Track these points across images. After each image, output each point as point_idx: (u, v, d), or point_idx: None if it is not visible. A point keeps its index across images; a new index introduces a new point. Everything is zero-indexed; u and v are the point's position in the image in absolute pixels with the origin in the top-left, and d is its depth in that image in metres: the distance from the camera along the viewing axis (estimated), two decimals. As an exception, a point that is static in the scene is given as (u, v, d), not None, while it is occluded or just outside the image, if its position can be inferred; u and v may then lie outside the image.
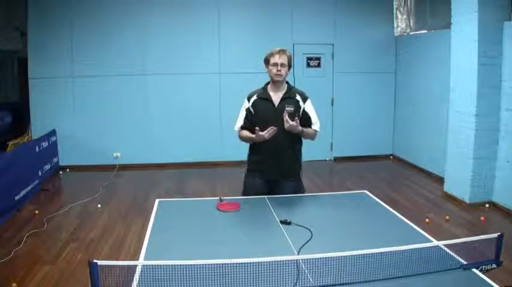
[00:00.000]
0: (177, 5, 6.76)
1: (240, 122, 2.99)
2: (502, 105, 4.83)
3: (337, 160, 7.42)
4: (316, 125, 2.98)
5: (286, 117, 2.77)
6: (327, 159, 7.45)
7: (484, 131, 4.87)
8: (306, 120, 2.94)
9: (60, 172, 6.61)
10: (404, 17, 7.18)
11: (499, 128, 4.87)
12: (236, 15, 6.94)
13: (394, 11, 7.35)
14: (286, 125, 2.78)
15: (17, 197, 4.84)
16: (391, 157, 7.55)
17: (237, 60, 6.87)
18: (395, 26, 7.37)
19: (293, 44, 7.05)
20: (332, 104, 7.30)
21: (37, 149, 5.76)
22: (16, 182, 4.87)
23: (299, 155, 3.08)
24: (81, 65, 6.67)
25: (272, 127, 2.75)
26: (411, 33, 7.00)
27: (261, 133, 2.77)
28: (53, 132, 6.50)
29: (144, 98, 6.90)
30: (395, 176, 6.61)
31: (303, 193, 3.10)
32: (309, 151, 7.21)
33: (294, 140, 2.99)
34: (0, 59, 7.49)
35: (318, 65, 7.25)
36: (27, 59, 6.63)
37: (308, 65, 7.21)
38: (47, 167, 6.13)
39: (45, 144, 6.08)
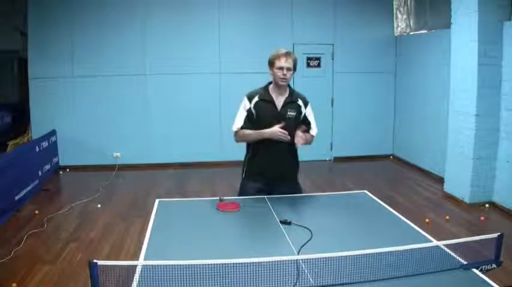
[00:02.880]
0: (177, 5, 6.76)
1: (239, 122, 2.86)
2: (502, 105, 4.83)
3: (337, 160, 7.42)
4: (314, 131, 2.95)
5: (300, 134, 2.76)
6: (327, 159, 7.45)
7: (484, 131, 4.87)
8: (305, 125, 2.92)
9: (60, 172, 6.61)
10: (405, 17, 7.18)
11: (499, 128, 4.87)
12: (236, 15, 6.94)
13: (394, 11, 7.35)
14: (297, 141, 2.76)
15: (17, 197, 4.84)
16: (391, 157, 7.55)
17: (237, 60, 6.87)
18: (395, 26, 7.37)
19: (293, 44, 7.04)
20: (332, 104, 7.30)
21: (37, 149, 5.76)
22: (16, 182, 4.87)
23: (297, 157, 3.04)
24: (81, 65, 6.67)
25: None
26: (411, 33, 7.00)
27: (282, 130, 2.72)
28: (53, 132, 6.51)
29: (144, 98, 6.90)
30: (395, 176, 6.61)
31: (300, 193, 3.07)
32: (309, 151, 7.28)
33: (292, 143, 2.93)
34: (0, 59, 7.49)
35: (318, 65, 7.25)
36: (27, 59, 6.63)
37: (308, 65, 7.21)
38: (47, 167, 6.13)
39: (45, 144, 6.08)
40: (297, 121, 2.85)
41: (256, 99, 2.85)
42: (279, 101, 2.84)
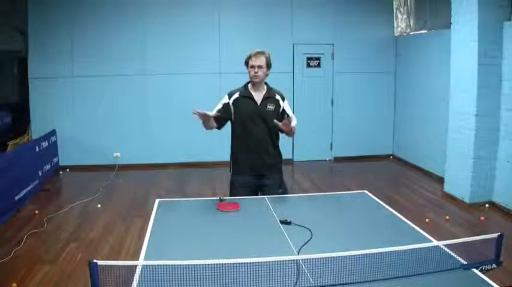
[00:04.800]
0: (177, 5, 6.76)
1: (213, 112, 3.07)
2: (502, 105, 4.83)
3: (337, 160, 7.42)
4: (294, 122, 3.08)
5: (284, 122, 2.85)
6: (327, 159, 7.45)
7: (484, 131, 4.87)
8: (285, 118, 3.06)
9: (60, 172, 6.61)
10: (404, 17, 7.18)
11: (499, 128, 4.87)
12: (236, 15, 6.95)
13: (394, 11, 7.35)
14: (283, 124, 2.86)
15: (17, 197, 4.84)
16: (391, 157, 7.55)
17: (237, 60, 6.78)
18: (395, 26, 7.37)
19: (293, 44, 7.06)
20: (332, 104, 7.30)
21: (37, 149, 5.76)
22: (16, 182, 4.87)
23: (278, 149, 3.20)
24: (81, 65, 6.67)
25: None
26: (411, 33, 7.00)
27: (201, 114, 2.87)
28: (53, 132, 6.51)
29: (144, 98, 6.90)
30: (396, 176, 6.61)
31: (285, 186, 3.20)
32: (309, 151, 7.37)
33: (275, 136, 3.13)
34: (0, 59, 7.49)
35: (318, 65, 7.25)
36: (27, 59, 6.63)
37: (308, 65, 7.21)
38: (47, 167, 6.13)
39: (45, 144, 6.08)
40: (276, 114, 3.03)
41: (236, 95, 3.07)
42: (258, 96, 3.05)
